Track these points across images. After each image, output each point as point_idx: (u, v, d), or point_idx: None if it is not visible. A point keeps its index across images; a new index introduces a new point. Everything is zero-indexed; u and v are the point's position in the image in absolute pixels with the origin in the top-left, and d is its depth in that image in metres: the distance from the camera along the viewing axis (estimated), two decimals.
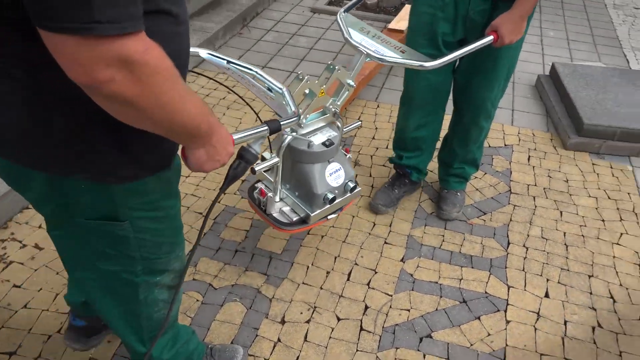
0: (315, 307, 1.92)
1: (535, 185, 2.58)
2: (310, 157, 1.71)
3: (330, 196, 1.73)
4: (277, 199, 1.81)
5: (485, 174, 2.64)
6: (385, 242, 2.21)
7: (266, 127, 1.30)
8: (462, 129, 2.22)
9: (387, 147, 2.78)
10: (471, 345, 1.82)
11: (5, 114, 0.88)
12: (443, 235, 2.26)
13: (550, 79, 3.40)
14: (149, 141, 0.96)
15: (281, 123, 1.36)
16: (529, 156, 2.79)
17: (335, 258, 2.12)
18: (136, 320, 1.28)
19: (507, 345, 1.82)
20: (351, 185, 1.81)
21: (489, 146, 2.84)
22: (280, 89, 1.53)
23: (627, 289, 2.06)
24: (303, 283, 2.00)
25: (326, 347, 1.78)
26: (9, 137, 0.91)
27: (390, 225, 2.29)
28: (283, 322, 1.86)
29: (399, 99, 2.27)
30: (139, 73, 0.73)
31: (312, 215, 1.76)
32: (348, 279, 2.03)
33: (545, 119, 3.13)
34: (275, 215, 1.81)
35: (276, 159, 1.64)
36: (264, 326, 1.84)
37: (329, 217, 1.85)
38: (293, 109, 1.51)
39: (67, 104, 0.86)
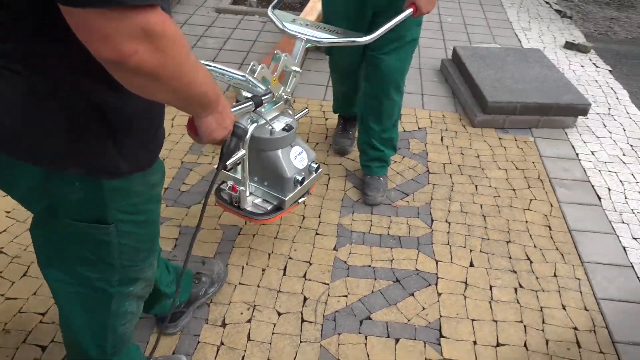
0: (254, 305, 1.92)
1: (450, 163, 2.73)
2: (275, 144, 1.79)
3: (299, 178, 1.84)
4: (248, 192, 1.85)
5: (404, 157, 2.75)
6: (317, 234, 2.25)
7: (251, 102, 1.41)
8: (375, 102, 2.36)
9: (307, 140, 2.82)
10: (408, 320, 1.90)
11: (5, 108, 0.90)
12: (371, 220, 2.34)
13: (453, 62, 3.58)
14: (140, 138, 1.01)
15: (262, 98, 1.45)
16: (442, 137, 2.94)
17: (269, 255, 2.13)
18: (102, 331, 1.25)
19: (441, 316, 1.92)
20: (314, 166, 1.93)
21: (404, 130, 2.96)
22: (243, 76, 1.58)
23: (540, 249, 2.23)
24: (240, 283, 2.00)
25: (270, 344, 1.79)
26: (8, 131, 0.92)
27: (319, 217, 2.33)
28: (224, 324, 1.84)
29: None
30: (160, 44, 0.77)
31: (286, 199, 1.85)
32: (284, 274, 2.05)
33: (453, 100, 3.30)
34: (249, 209, 1.88)
35: (243, 151, 1.67)
36: (205, 332, 1.82)
37: (299, 200, 1.95)
38: (263, 87, 1.56)
39: (67, 99, 0.89)
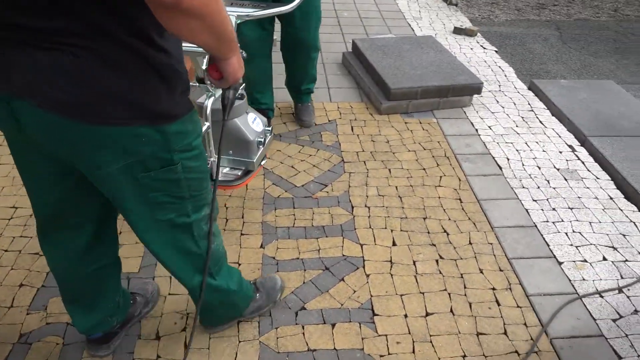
0: (188, 313, 1.89)
1: (363, 151, 2.83)
2: (235, 112, 1.93)
3: (261, 139, 2.01)
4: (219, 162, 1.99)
5: (318, 150, 2.81)
6: (242, 234, 2.25)
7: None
8: (300, 64, 2.88)
9: None
10: (342, 305, 1.95)
11: (79, 81, 1.03)
12: (294, 215, 2.37)
13: (354, 54, 3.70)
14: (183, 85, 1.19)
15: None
16: (352, 126, 3.03)
17: None
18: (192, 257, 1.47)
19: (371, 296, 2.00)
20: (268, 129, 2.15)
21: (315, 124, 3.02)
22: None
23: (454, 221, 2.38)
24: (170, 294, 1.96)
25: (209, 348, 1.77)
26: (85, 100, 1.05)
27: (242, 217, 2.34)
28: (158, 337, 1.80)
29: None
30: None
31: (254, 161, 1.99)
32: None
33: (358, 91, 3.42)
34: (222, 178, 2.07)
35: (207, 123, 1.79)
36: (139, 347, 1.77)
37: (262, 163, 2.15)
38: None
39: (130, 64, 1.06)
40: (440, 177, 2.66)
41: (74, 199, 1.37)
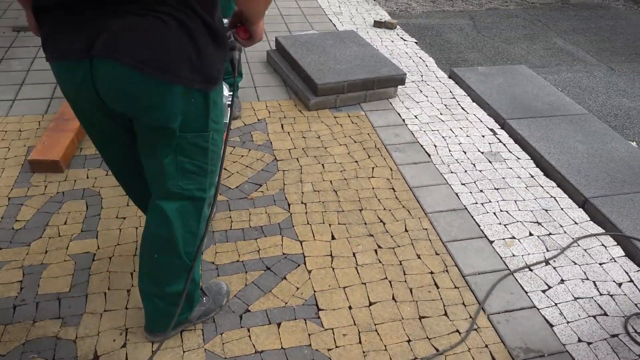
0: (127, 328, 1.82)
1: (295, 148, 2.82)
2: None
3: (228, 102, 2.05)
4: None
5: (250, 150, 2.78)
6: None
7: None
8: None
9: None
10: (286, 303, 1.95)
11: (162, 45, 1.22)
12: (230, 217, 2.33)
13: (278, 52, 3.69)
14: (225, 52, 1.37)
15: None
16: (282, 124, 3.02)
17: (132, 274, 2.03)
18: (192, 237, 1.59)
19: (315, 291, 2.00)
20: (231, 92, 2.14)
21: (245, 124, 2.99)
22: None
23: (389, 210, 2.43)
24: (105, 310, 1.87)
25: None
26: (166, 59, 1.23)
27: None
28: (96, 357, 1.72)
29: None
30: None
31: (226, 122, 2.06)
32: None
33: (285, 89, 3.41)
34: None
35: None
36: None
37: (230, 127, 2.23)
38: None
39: (198, 31, 1.24)
40: (373, 168, 2.71)
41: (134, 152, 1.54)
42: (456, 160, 2.82)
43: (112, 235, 2.19)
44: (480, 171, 2.74)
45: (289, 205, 2.42)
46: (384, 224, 2.35)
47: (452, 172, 2.72)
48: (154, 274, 1.63)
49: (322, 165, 2.71)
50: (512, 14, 5.49)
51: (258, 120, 3.05)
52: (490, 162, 2.83)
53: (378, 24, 4.52)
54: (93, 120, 1.47)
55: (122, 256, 2.10)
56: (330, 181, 2.60)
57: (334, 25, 4.49)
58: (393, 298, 2.00)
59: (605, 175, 2.74)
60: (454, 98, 3.46)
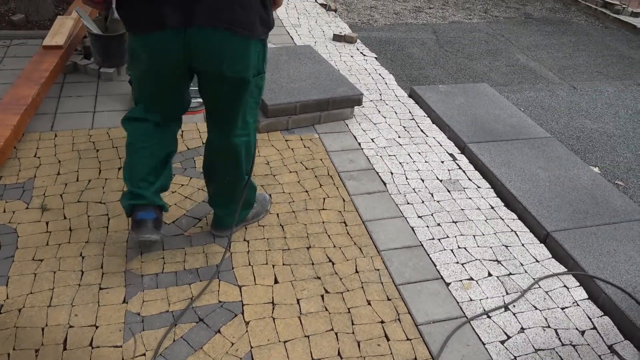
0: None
1: None
2: None
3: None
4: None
5: (191, 178, 2.56)
6: (101, 288, 1.95)
7: None
8: None
9: (77, 180, 2.46)
10: None
11: (253, 5, 1.61)
12: (163, 258, 2.11)
13: None
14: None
15: None
16: None
17: (43, 330, 1.78)
18: (250, 158, 2.05)
19: (252, 347, 1.79)
20: None
21: (188, 149, 2.76)
22: None
23: (340, 248, 2.24)
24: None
25: None
26: (251, 18, 1.61)
27: (101, 267, 2.03)
28: None
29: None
30: None
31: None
32: (65, 349, 1.72)
33: None
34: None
35: None
36: None
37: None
38: None
39: None
40: (324, 198, 2.52)
41: (183, 100, 1.96)
42: (413, 189, 2.65)
43: (26, 282, 1.94)
44: (438, 202, 2.58)
45: (229, 243, 2.20)
46: (333, 264, 2.16)
47: (408, 203, 2.55)
48: (223, 192, 2.11)
49: (270, 196, 2.50)
50: (475, 27, 5.40)
51: (203, 143, 2.83)
52: (449, 191, 2.67)
53: (338, 38, 4.35)
54: (165, 80, 1.79)
55: (33, 307, 1.85)
56: (277, 214, 2.39)
57: (292, 39, 4.29)
58: (339, 354, 1.80)
59: (567, 206, 2.61)
60: (414, 119, 3.30)
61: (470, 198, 2.64)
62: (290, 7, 5.00)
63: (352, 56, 4.10)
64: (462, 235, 2.38)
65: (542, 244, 2.40)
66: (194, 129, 2.93)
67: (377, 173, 2.74)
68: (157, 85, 1.82)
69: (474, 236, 2.39)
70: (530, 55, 4.78)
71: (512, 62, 4.58)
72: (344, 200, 2.52)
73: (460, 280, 2.14)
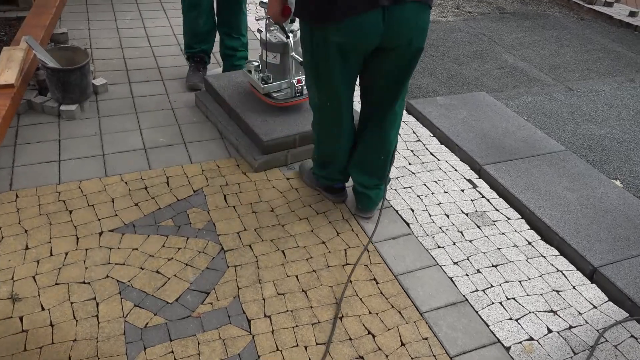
0: None
1: (245, 229, 2.25)
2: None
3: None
4: None
5: (188, 238, 2.18)
6: None
7: None
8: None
9: (50, 254, 2.04)
10: None
11: None
12: (172, 352, 1.73)
13: (209, 94, 3.08)
14: None
15: None
16: (224, 195, 2.44)
17: None
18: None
19: None
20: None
21: (178, 200, 2.38)
22: None
23: (377, 314, 1.93)
24: None
25: None
26: None
27: None
28: None
29: None
30: None
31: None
32: None
33: (222, 142, 2.82)
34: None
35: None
36: None
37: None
38: None
39: None
40: (345, 250, 2.20)
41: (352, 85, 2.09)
42: (440, 228, 2.36)
43: None
44: (470, 242, 2.30)
45: (249, 322, 1.85)
46: (374, 336, 1.84)
47: (439, 247, 2.26)
48: (377, 171, 2.26)
49: (283, 252, 2.16)
50: (454, 27, 5.16)
51: (194, 191, 2.44)
52: (478, 226, 2.40)
53: None
54: (352, 62, 1.91)
55: None
56: (296, 276, 2.05)
57: None
58: None
59: (606, 233, 2.39)
60: (420, 140, 3.01)
61: (503, 233, 2.37)
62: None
63: None
64: (506, 282, 2.11)
65: (593, 284, 2.16)
66: (179, 173, 2.54)
67: (397, 211, 2.44)
68: (344, 74, 1.95)
69: (520, 282, 2.12)
70: (517, 55, 4.57)
71: (501, 64, 4.36)
72: (367, 250, 2.20)
73: (520, 342, 1.87)
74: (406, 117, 3.24)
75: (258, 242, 2.20)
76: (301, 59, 2.55)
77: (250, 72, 2.78)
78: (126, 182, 2.46)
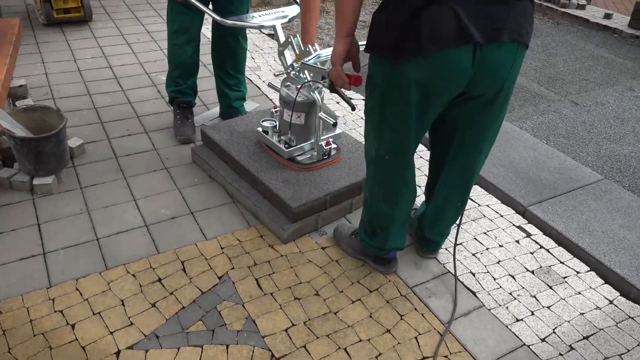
0: None
1: (293, 324, 1.86)
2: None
3: None
4: None
5: (228, 346, 1.77)
6: None
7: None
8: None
9: None
10: None
11: (532, 15, 1.52)
12: None
13: (208, 148, 2.66)
14: None
15: None
16: (256, 279, 2.04)
17: None
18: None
19: None
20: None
21: (202, 292, 1.96)
22: None
23: None
24: None
25: None
26: (530, 27, 1.51)
27: None
28: None
29: None
30: None
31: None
32: None
33: (236, 208, 2.41)
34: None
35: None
36: None
37: None
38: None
39: None
40: (416, 338, 1.86)
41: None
42: (510, 294, 2.06)
43: None
44: (548, 308, 2.01)
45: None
46: None
47: (518, 320, 1.95)
48: (451, 223, 2.07)
49: (346, 351, 1.79)
50: None
51: (219, 279, 2.04)
52: (550, 286, 2.11)
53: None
54: (433, 106, 1.60)
55: None
56: None
57: (257, 87, 3.53)
58: None
59: None
60: None
61: (579, 293, 2.10)
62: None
63: (335, 101, 3.43)
64: (606, 359, 1.83)
65: None
66: (195, 255, 2.13)
67: (457, 278, 2.12)
68: (419, 121, 1.64)
69: (620, 356, 1.85)
70: None
71: None
72: (439, 334, 1.87)
73: None
74: (425, 153, 2.94)
75: (313, 340, 1.82)
76: (332, 120, 2.21)
77: (267, 133, 2.41)
78: (134, 275, 2.02)
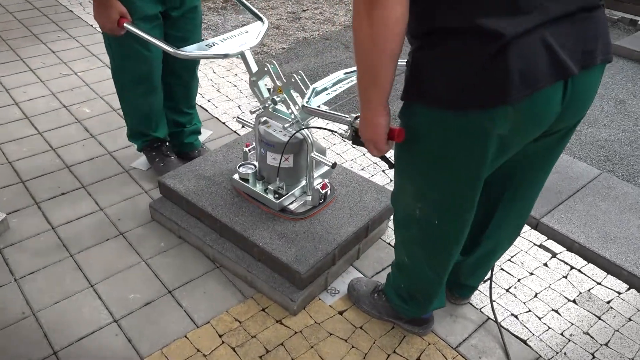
0: None
1: None
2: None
3: None
4: None
5: None
6: None
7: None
8: None
9: None
10: None
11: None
12: None
13: (173, 202, 2.18)
14: None
15: None
16: None
17: None
18: None
19: None
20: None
21: None
22: None
23: None
24: None
25: None
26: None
27: None
28: None
29: None
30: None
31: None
32: None
33: (222, 275, 1.98)
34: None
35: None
36: None
37: None
38: None
39: None
40: None
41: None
42: (562, 334, 1.81)
43: None
44: (606, 345, 1.78)
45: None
46: None
47: None
48: (489, 268, 1.78)
49: None
50: None
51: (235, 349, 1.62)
52: (598, 317, 1.89)
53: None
54: (507, 155, 1.27)
55: None
56: None
57: (204, 109, 3.04)
58: None
59: None
60: None
61: (630, 319, 1.89)
62: None
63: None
64: None
65: None
66: (190, 353, 1.68)
67: (498, 324, 1.83)
68: (484, 176, 1.29)
69: None
70: None
71: None
72: None
73: None
74: None
75: None
76: (330, 162, 1.83)
77: (246, 181, 1.98)
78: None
